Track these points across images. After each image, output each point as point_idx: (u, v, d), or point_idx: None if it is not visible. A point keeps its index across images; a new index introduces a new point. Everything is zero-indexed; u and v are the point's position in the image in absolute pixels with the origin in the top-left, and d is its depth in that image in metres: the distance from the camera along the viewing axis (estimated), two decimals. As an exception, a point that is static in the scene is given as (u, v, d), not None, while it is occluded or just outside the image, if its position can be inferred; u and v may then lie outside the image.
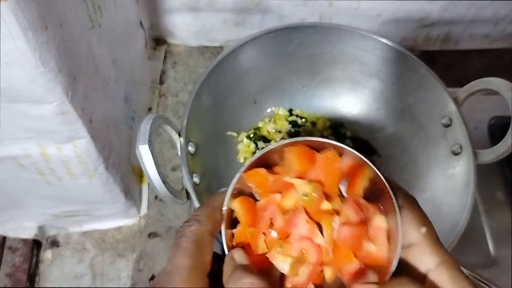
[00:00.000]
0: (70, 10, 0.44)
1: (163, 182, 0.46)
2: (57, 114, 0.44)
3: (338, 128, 0.70)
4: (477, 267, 0.64)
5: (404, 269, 0.28)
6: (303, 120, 0.71)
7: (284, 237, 0.30)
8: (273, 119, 0.71)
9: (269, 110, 0.71)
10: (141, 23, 0.84)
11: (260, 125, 0.70)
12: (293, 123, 0.70)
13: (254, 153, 0.67)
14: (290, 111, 0.71)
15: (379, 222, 0.29)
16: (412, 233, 0.28)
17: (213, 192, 0.56)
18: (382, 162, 0.68)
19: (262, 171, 0.32)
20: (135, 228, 0.79)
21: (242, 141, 0.68)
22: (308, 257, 0.30)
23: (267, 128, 0.70)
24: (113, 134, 0.62)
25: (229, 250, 0.31)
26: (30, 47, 0.36)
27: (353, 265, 0.29)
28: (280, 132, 0.69)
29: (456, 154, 0.57)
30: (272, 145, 0.31)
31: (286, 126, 0.70)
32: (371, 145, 0.69)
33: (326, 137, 0.36)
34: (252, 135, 0.68)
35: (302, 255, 0.30)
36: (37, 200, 0.65)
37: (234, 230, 0.32)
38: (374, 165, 0.30)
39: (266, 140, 0.69)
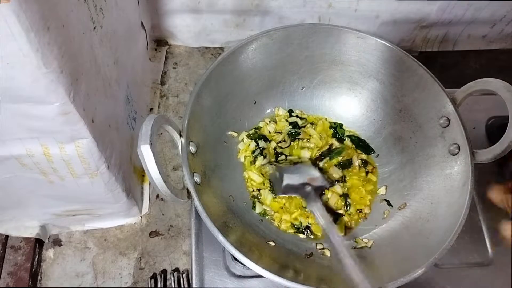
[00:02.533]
0: (71, 11, 0.44)
1: (164, 181, 0.47)
2: (59, 115, 0.45)
3: (337, 128, 0.71)
4: (474, 266, 0.65)
5: None
6: (303, 120, 0.71)
7: None
8: (274, 120, 0.71)
9: (269, 110, 0.72)
10: (142, 24, 0.85)
11: (260, 125, 0.71)
12: (293, 124, 0.71)
13: (253, 151, 0.68)
14: (290, 111, 0.72)
15: None
16: None
17: (214, 191, 0.57)
18: (381, 161, 0.68)
19: None
20: (137, 227, 0.79)
21: (242, 140, 0.68)
22: None
23: (268, 128, 0.70)
24: (115, 134, 0.62)
25: None
26: (32, 48, 0.37)
27: None
28: (280, 133, 0.70)
29: (454, 154, 0.58)
30: None
31: (286, 127, 0.70)
32: (369, 144, 0.69)
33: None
34: (252, 134, 0.69)
35: None
36: (39, 199, 0.65)
37: None
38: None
39: (266, 139, 0.69)
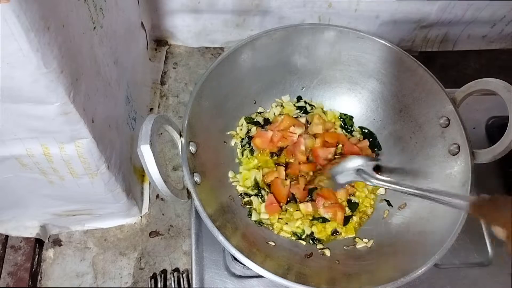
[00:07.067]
0: (72, 12, 0.44)
1: (164, 181, 0.47)
2: (59, 115, 0.45)
3: (346, 119, 0.70)
4: (474, 266, 0.65)
5: None
6: (312, 106, 0.71)
7: None
8: (280, 104, 0.71)
9: (269, 110, 0.72)
10: (142, 25, 0.85)
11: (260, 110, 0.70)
12: (302, 109, 0.70)
13: (242, 139, 0.67)
14: (299, 98, 0.71)
15: None
16: None
17: (214, 191, 0.57)
18: (381, 161, 0.68)
19: None
20: (137, 227, 0.79)
21: (241, 125, 0.68)
22: None
23: (274, 111, 0.70)
24: (115, 134, 0.62)
25: None
26: (33, 48, 0.37)
27: None
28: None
29: (454, 154, 0.58)
30: None
31: (294, 112, 0.70)
32: (377, 140, 0.69)
33: None
34: (250, 118, 0.69)
35: None
36: (39, 199, 0.65)
37: None
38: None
39: (267, 122, 0.68)
